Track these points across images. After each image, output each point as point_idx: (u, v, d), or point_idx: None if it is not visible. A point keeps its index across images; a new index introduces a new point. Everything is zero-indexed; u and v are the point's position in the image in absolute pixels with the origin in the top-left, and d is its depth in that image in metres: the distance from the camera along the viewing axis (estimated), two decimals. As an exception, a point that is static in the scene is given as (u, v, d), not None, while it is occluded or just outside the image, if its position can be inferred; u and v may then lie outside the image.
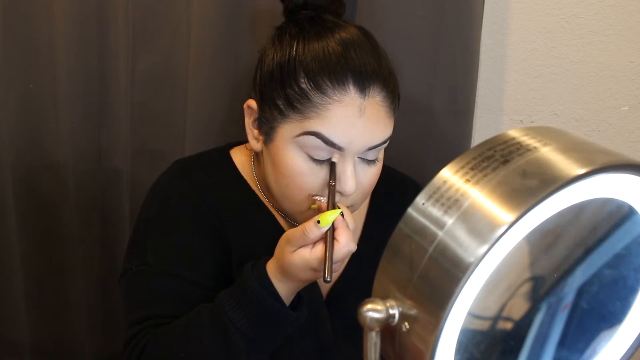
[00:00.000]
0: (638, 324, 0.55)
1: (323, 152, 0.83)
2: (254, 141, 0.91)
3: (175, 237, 0.92)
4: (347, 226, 0.79)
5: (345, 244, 0.77)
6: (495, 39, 1.25)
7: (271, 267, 0.82)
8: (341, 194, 0.85)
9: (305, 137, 0.82)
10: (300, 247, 0.79)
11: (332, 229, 0.78)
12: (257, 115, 0.89)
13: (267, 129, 0.87)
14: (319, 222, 0.77)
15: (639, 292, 0.54)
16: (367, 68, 0.83)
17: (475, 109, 1.25)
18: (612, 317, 0.55)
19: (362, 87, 0.82)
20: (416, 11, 1.17)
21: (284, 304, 0.82)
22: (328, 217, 0.77)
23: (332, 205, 0.81)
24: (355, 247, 0.79)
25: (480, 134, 1.29)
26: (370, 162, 0.87)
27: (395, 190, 1.04)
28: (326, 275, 0.73)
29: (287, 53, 0.85)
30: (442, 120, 1.22)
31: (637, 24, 1.21)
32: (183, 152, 1.28)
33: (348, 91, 0.82)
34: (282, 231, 0.95)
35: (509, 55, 1.26)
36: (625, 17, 1.21)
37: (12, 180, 1.33)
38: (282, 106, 0.84)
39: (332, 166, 0.84)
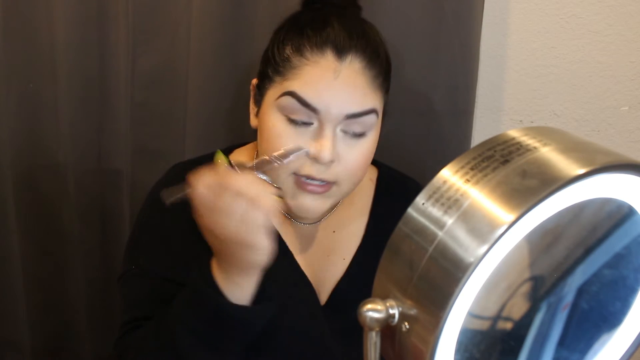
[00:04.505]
0: (638, 324, 0.55)
1: (300, 115, 0.84)
2: (253, 118, 0.93)
3: (169, 242, 0.92)
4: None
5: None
6: (495, 39, 1.25)
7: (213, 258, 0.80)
8: (318, 161, 0.84)
9: (283, 98, 0.84)
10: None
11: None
12: (254, 93, 0.92)
13: (258, 97, 0.90)
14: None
15: (639, 292, 0.54)
16: (350, 38, 0.85)
17: (475, 109, 1.25)
18: (612, 317, 0.55)
19: (339, 53, 0.84)
20: (416, 11, 1.17)
21: (218, 292, 0.77)
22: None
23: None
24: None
25: (480, 134, 1.29)
26: (356, 137, 0.86)
27: (395, 191, 1.04)
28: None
29: (284, 29, 0.89)
30: (442, 120, 1.22)
31: (637, 24, 1.21)
32: (183, 152, 1.28)
33: (324, 55, 0.84)
34: (276, 234, 0.96)
35: (509, 55, 1.26)
36: (625, 17, 1.21)
37: (12, 180, 1.33)
38: (270, 73, 0.87)
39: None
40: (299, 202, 0.87)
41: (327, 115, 0.83)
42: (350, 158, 0.86)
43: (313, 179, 0.85)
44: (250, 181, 0.72)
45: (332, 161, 0.84)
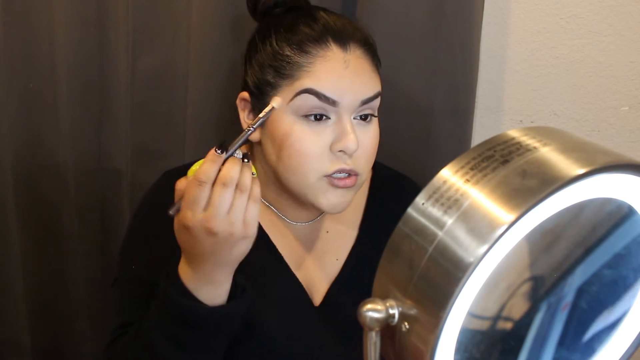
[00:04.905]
0: (638, 324, 0.55)
1: (318, 111, 0.85)
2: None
3: (161, 248, 0.91)
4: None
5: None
6: (495, 39, 1.25)
7: (181, 262, 0.80)
8: (346, 152, 0.85)
9: (298, 98, 0.84)
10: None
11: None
12: (250, 106, 0.91)
13: (261, 108, 0.88)
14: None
15: (639, 292, 0.54)
16: (344, 28, 0.88)
17: (475, 109, 1.25)
18: (611, 317, 0.55)
19: (342, 43, 0.86)
20: (416, 11, 1.17)
21: (187, 295, 0.77)
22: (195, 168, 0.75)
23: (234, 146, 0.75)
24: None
25: (480, 134, 1.29)
26: (367, 119, 0.88)
27: (391, 190, 1.04)
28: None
29: (270, 35, 0.89)
30: (442, 120, 1.22)
31: (637, 24, 1.21)
32: (183, 152, 1.28)
33: (330, 47, 0.86)
34: (266, 237, 0.95)
35: (509, 55, 1.26)
36: (625, 17, 1.21)
37: (12, 180, 1.33)
38: (272, 79, 0.87)
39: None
40: (331, 200, 0.87)
41: (344, 105, 0.85)
42: (366, 142, 0.88)
43: (342, 171, 0.86)
44: (233, 168, 0.73)
45: (357, 149, 0.85)
